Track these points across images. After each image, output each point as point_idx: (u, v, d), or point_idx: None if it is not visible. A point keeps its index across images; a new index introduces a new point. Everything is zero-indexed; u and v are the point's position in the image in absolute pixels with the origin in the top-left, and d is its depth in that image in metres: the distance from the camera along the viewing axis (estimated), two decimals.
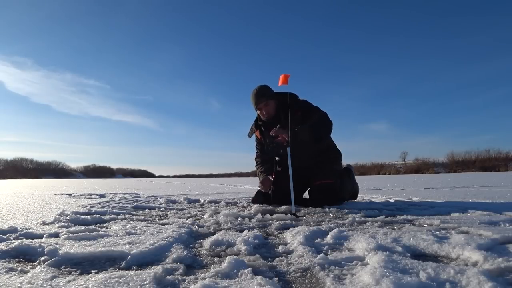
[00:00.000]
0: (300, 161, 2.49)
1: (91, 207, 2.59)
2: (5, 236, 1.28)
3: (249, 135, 2.80)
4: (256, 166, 2.91)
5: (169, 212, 2.24)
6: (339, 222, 1.66)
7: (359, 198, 2.99)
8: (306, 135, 2.34)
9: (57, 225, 1.63)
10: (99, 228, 1.54)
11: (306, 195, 2.79)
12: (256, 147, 2.91)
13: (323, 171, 2.53)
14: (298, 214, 2.01)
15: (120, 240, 1.24)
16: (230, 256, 0.93)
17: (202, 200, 3.14)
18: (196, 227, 1.53)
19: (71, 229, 1.47)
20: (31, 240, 1.23)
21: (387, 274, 0.75)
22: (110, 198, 3.65)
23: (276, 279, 0.80)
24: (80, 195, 4.20)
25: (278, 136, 2.35)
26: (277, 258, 0.99)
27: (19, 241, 1.18)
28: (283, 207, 2.30)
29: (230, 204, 2.72)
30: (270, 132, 2.42)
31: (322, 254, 0.97)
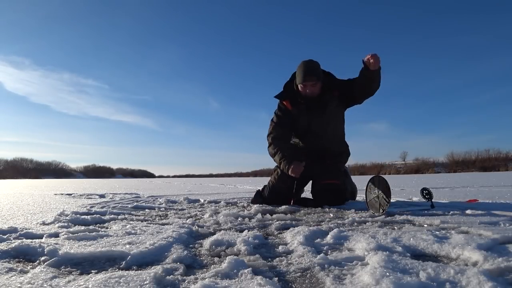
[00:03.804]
0: (322, 141, 2.56)
1: (91, 207, 2.59)
2: (5, 236, 1.28)
3: (278, 97, 2.62)
4: (270, 143, 2.61)
5: (169, 212, 2.24)
6: (339, 222, 1.66)
7: (359, 198, 2.99)
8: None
9: (57, 225, 1.63)
10: (99, 228, 1.54)
11: (305, 195, 2.80)
12: (275, 117, 2.63)
13: (330, 171, 2.53)
14: (297, 214, 2.00)
15: (120, 240, 1.24)
16: (230, 256, 0.93)
17: (202, 200, 3.13)
18: (196, 227, 1.53)
19: (71, 229, 1.47)
20: (31, 240, 1.23)
21: (387, 274, 0.75)
22: (110, 198, 3.65)
23: (276, 279, 0.79)
24: (80, 195, 4.20)
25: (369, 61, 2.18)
26: (277, 258, 0.99)
27: (19, 241, 1.18)
28: (283, 207, 2.30)
29: (230, 204, 2.72)
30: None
31: (322, 254, 0.97)
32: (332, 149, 2.63)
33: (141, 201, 3.10)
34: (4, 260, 0.99)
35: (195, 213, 2.17)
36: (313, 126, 2.54)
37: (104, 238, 1.28)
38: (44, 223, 1.70)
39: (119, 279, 0.78)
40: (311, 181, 2.68)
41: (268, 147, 2.65)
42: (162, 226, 1.57)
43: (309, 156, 2.58)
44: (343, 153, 2.71)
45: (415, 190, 4.42)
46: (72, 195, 4.34)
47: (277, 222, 1.66)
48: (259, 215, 1.91)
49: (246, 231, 1.37)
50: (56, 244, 1.16)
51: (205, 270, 0.90)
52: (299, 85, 2.48)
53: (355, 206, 2.31)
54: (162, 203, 2.91)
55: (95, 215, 1.91)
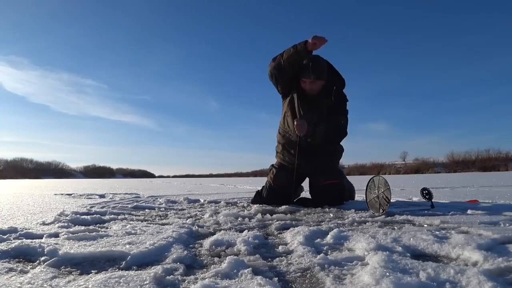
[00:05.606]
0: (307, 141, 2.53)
1: (91, 207, 2.58)
2: (5, 236, 1.28)
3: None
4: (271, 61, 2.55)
5: (169, 212, 2.24)
6: (339, 222, 1.66)
7: (358, 198, 2.99)
8: (322, 132, 2.42)
9: (57, 225, 1.63)
10: (99, 228, 1.54)
11: (304, 194, 2.80)
12: None
13: (328, 171, 2.51)
14: (297, 214, 2.00)
15: (120, 240, 1.24)
16: (230, 256, 0.93)
17: (202, 200, 3.13)
18: (196, 227, 1.53)
19: (71, 229, 1.47)
20: (31, 240, 1.23)
21: (387, 274, 0.75)
22: (110, 198, 3.65)
23: (276, 279, 0.80)
24: (80, 195, 4.20)
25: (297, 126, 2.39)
26: (277, 258, 0.99)
27: (19, 241, 1.18)
28: (283, 207, 2.30)
29: (230, 204, 2.72)
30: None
31: (322, 254, 0.97)
32: (323, 146, 2.57)
33: (141, 201, 3.10)
34: (4, 260, 0.99)
35: (195, 213, 2.17)
36: (305, 118, 2.50)
37: (104, 238, 1.28)
38: (44, 223, 1.70)
39: (119, 279, 0.78)
40: (308, 181, 2.67)
41: (269, 65, 2.55)
42: (162, 226, 1.57)
43: (301, 151, 2.54)
44: (335, 151, 2.66)
45: (415, 190, 4.42)
46: (72, 195, 4.34)
47: (277, 222, 1.66)
48: (259, 215, 1.91)
49: (246, 231, 1.37)
50: (56, 244, 1.16)
51: (205, 270, 0.90)
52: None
53: (355, 206, 2.31)
54: (162, 203, 2.90)
55: (95, 215, 1.91)
